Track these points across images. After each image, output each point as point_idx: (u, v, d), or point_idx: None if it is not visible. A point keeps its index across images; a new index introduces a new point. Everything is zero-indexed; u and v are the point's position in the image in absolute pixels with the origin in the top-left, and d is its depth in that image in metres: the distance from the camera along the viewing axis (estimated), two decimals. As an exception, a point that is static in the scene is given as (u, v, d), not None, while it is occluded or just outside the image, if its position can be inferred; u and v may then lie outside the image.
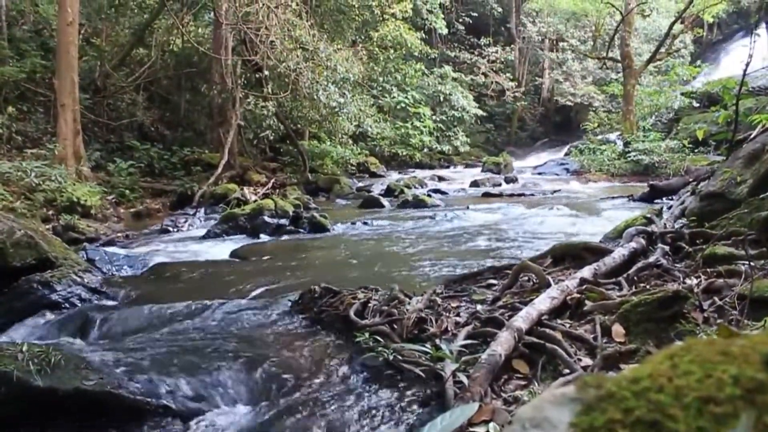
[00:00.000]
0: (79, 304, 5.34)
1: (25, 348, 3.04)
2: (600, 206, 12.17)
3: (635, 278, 4.18)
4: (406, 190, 16.18)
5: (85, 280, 5.72)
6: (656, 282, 4.07)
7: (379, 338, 3.60)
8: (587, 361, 3.09)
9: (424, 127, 26.69)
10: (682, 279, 3.98)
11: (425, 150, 27.11)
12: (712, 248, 4.20)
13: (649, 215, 6.24)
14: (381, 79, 24.29)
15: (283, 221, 10.23)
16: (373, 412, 2.99)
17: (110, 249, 8.22)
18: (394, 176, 21.49)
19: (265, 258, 7.76)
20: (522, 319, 3.31)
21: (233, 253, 8.04)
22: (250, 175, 15.99)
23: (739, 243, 4.08)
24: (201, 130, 17.64)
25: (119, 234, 10.01)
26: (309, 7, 16.37)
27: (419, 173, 22.56)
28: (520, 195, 15.53)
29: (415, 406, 2.99)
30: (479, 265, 5.95)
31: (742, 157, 5.77)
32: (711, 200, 5.75)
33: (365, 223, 10.63)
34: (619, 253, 4.64)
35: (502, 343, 3.04)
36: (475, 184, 18.84)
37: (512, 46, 35.22)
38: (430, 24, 27.59)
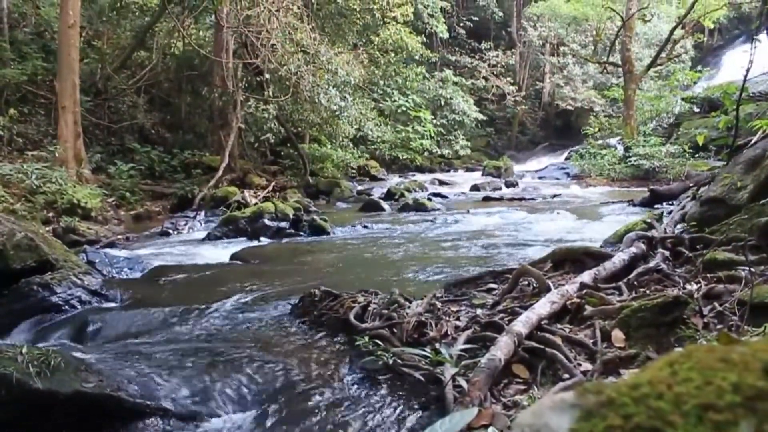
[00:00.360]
0: (79, 307, 5.34)
1: (24, 350, 3.03)
2: (600, 211, 12.17)
3: (635, 283, 4.18)
4: (406, 193, 16.18)
5: (85, 282, 5.71)
6: (656, 287, 4.07)
7: (378, 342, 3.60)
8: (587, 366, 3.09)
9: (425, 130, 26.69)
10: (682, 284, 3.98)
11: (426, 154, 27.11)
12: (712, 253, 4.20)
13: (649, 220, 6.25)
14: (382, 82, 24.30)
15: (283, 224, 10.23)
16: (373, 415, 2.99)
17: (110, 251, 8.22)
18: (394, 180, 21.49)
19: (266, 261, 7.76)
20: (522, 324, 3.31)
21: (233, 256, 8.04)
22: (251, 178, 15.99)
23: (739, 248, 4.08)
24: (202, 133, 17.64)
25: (119, 236, 10.01)
26: (310, 11, 16.40)
27: (420, 177, 22.55)
28: (520, 199, 15.52)
29: (414, 410, 2.99)
30: (479, 269, 5.95)
31: (742, 163, 5.77)
32: (711, 205, 5.75)
33: (365, 227, 10.64)
34: (620, 258, 4.64)
35: (501, 348, 3.03)
36: (475, 188, 18.84)
37: (513, 50, 35.26)
38: (431, 28, 27.62)
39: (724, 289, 3.63)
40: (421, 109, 27.13)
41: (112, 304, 5.53)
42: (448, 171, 27.14)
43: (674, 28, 22.86)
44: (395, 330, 3.79)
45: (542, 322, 3.48)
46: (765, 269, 3.79)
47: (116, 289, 5.89)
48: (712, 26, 28.25)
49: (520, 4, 35.03)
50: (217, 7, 14.97)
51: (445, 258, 7.46)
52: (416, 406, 3.02)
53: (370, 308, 4.20)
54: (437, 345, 3.33)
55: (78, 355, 3.49)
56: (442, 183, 21.11)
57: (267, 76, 15.45)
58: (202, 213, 12.64)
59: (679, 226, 6.16)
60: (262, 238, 9.70)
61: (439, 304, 4.22)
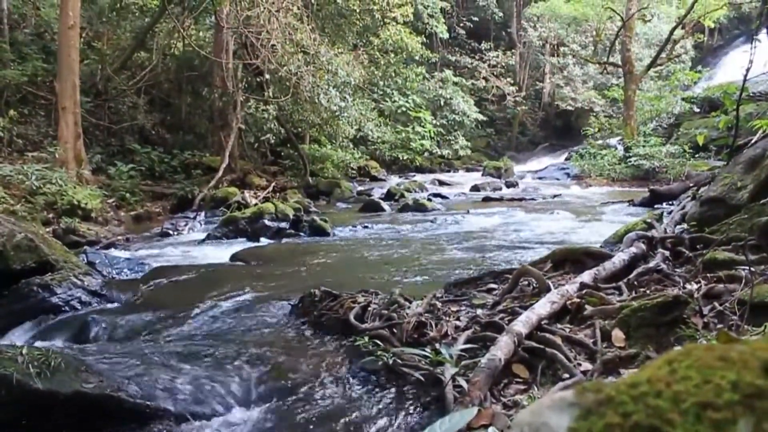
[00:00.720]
0: (80, 307, 5.34)
1: (25, 351, 3.04)
2: (600, 211, 12.17)
3: (635, 283, 4.18)
4: (406, 194, 16.19)
5: (85, 283, 5.71)
6: (656, 287, 4.07)
7: (378, 342, 3.60)
8: (587, 365, 3.09)
9: (425, 131, 26.69)
10: (682, 284, 3.98)
11: (426, 154, 27.10)
12: (712, 253, 4.20)
13: (649, 220, 6.25)
14: (382, 83, 24.28)
15: (283, 225, 10.23)
16: (373, 415, 2.99)
17: (110, 252, 8.23)
18: (394, 180, 21.48)
19: (266, 262, 7.76)
20: (522, 324, 3.31)
21: (233, 257, 8.04)
22: (251, 178, 15.99)
23: (739, 248, 4.07)
24: (202, 134, 17.63)
25: (119, 237, 10.01)
26: (310, 11, 16.39)
27: (420, 177, 22.54)
28: (520, 199, 15.52)
29: (414, 410, 2.99)
30: (479, 270, 5.96)
31: (742, 163, 5.77)
32: (711, 205, 5.75)
33: (366, 227, 10.64)
34: (620, 257, 4.64)
35: (501, 348, 3.04)
36: (475, 188, 18.84)
37: (513, 50, 35.27)
38: (431, 28, 27.62)
39: (724, 288, 3.63)
40: (421, 109, 27.13)
41: (112, 305, 5.53)
42: (449, 171, 27.12)
43: (674, 28, 22.86)
44: (395, 330, 3.79)
45: (542, 322, 3.48)
46: (765, 269, 3.79)
47: (116, 290, 5.90)
48: (712, 26, 28.25)
49: (520, 5, 35.03)
50: (217, 7, 14.98)
51: (445, 258, 7.46)
52: (416, 406, 3.02)
53: (370, 308, 4.20)
54: (437, 345, 3.33)
55: (78, 355, 3.49)
56: (442, 183, 21.10)
57: (267, 76, 15.45)
58: (202, 213, 12.64)
59: (679, 226, 6.16)
60: (262, 239, 9.70)
61: (439, 305, 4.22)
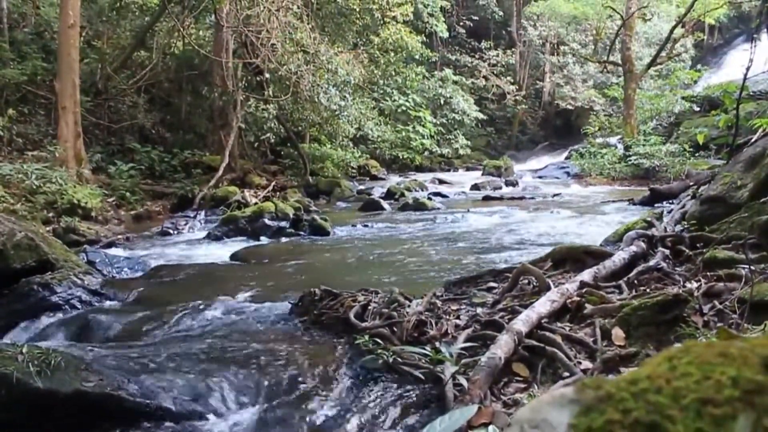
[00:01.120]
0: (80, 306, 5.34)
1: (25, 350, 3.04)
2: (600, 210, 12.17)
3: (635, 282, 4.18)
4: (406, 193, 16.18)
5: (85, 282, 5.72)
6: (656, 285, 4.07)
7: (378, 341, 3.60)
8: (587, 364, 3.09)
9: (425, 130, 26.68)
10: (682, 283, 3.98)
11: (426, 153, 27.09)
12: (712, 252, 4.20)
13: (649, 219, 6.25)
14: (382, 82, 24.24)
15: (283, 224, 10.23)
16: (373, 414, 2.99)
17: (111, 251, 8.23)
18: (394, 179, 21.48)
19: (266, 260, 7.76)
20: (522, 322, 3.31)
21: (233, 256, 8.04)
22: (251, 177, 15.98)
23: (739, 247, 4.08)
24: (202, 133, 17.62)
25: (119, 236, 10.01)
26: (310, 11, 16.37)
27: (420, 176, 22.55)
28: (520, 198, 15.52)
29: (414, 409, 2.99)
30: (479, 268, 5.96)
31: (742, 162, 5.77)
32: (711, 204, 5.74)
33: (366, 226, 10.64)
34: (620, 256, 4.64)
35: (501, 346, 3.04)
36: (475, 187, 18.84)
37: (513, 49, 35.24)
38: (431, 27, 27.59)
39: (724, 287, 3.63)
40: (421, 108, 27.11)
41: (112, 304, 5.53)
42: (448, 170, 27.12)
43: (674, 27, 22.84)
44: (395, 329, 3.79)
45: (542, 321, 3.48)
46: (765, 267, 3.79)
47: (116, 289, 5.90)
48: (712, 25, 28.24)
49: (520, 4, 35.01)
50: (216, 6, 14.96)
51: (445, 257, 7.46)
52: (416, 405, 3.02)
53: (370, 307, 4.20)
54: (437, 344, 3.33)
55: (78, 354, 3.49)
56: (442, 182, 21.10)
57: (267, 75, 15.45)
58: (202, 213, 12.64)
59: (679, 225, 6.16)
60: (262, 238, 9.70)
61: (439, 303, 4.22)
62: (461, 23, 34.07)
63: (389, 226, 10.63)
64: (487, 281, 4.91)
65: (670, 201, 10.97)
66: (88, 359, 3.33)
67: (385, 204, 14.04)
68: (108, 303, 5.55)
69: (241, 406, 3.18)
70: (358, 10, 18.35)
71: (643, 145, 19.40)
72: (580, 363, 3.10)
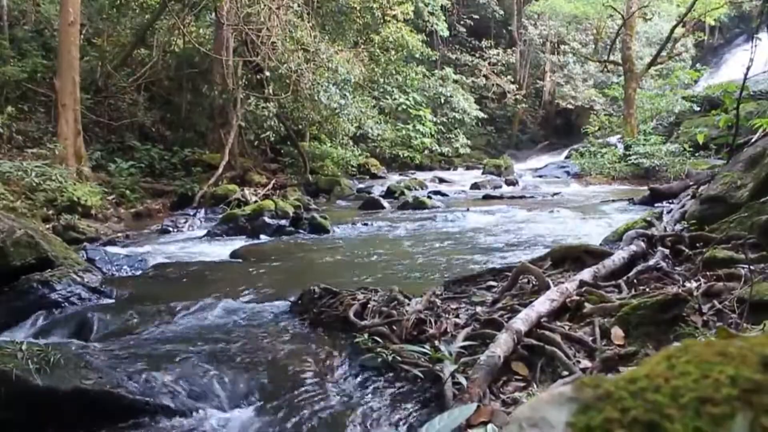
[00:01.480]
0: (79, 304, 5.34)
1: (24, 347, 3.04)
2: (600, 209, 12.17)
3: (635, 281, 4.18)
4: (406, 191, 16.17)
5: (85, 279, 5.72)
6: (656, 285, 4.07)
7: (378, 339, 3.60)
8: (586, 363, 3.09)
9: (425, 129, 26.67)
10: (681, 282, 3.98)
11: (426, 152, 27.08)
12: (712, 251, 4.20)
13: (649, 218, 6.25)
14: (382, 80, 24.22)
15: (283, 222, 10.23)
16: (372, 412, 2.99)
17: (110, 249, 8.22)
18: (394, 178, 21.47)
19: (265, 259, 7.76)
20: (521, 321, 3.31)
21: (233, 254, 8.04)
22: (251, 176, 15.98)
23: (739, 246, 4.08)
24: (202, 131, 17.61)
25: (119, 234, 10.01)
26: (310, 9, 16.37)
27: (420, 175, 22.54)
28: (520, 197, 15.52)
29: (413, 407, 2.99)
30: (479, 267, 5.96)
31: (742, 161, 5.77)
32: (711, 204, 5.74)
33: (365, 225, 10.64)
34: (619, 256, 4.64)
35: (501, 345, 3.04)
36: (475, 186, 18.83)
37: (513, 48, 35.21)
38: (432, 26, 27.55)
39: (723, 286, 3.63)
40: (422, 107, 27.09)
41: (112, 302, 5.53)
42: (449, 169, 27.10)
43: (675, 27, 22.83)
44: (395, 327, 3.79)
45: (542, 320, 3.48)
46: (765, 267, 3.80)
47: (116, 287, 5.90)
48: (712, 25, 28.24)
49: (521, 3, 34.98)
50: (217, 4, 14.96)
51: (445, 256, 7.46)
52: (415, 403, 3.02)
53: (369, 306, 4.20)
54: (437, 342, 3.33)
55: (78, 352, 3.50)
56: (442, 181, 21.10)
57: (267, 73, 15.44)
58: (202, 211, 12.64)
59: (679, 225, 6.16)
60: (261, 236, 9.70)
61: (438, 302, 4.22)
62: (462, 22, 34.05)
63: (389, 225, 10.63)
64: (486, 280, 4.91)
65: (670, 201, 10.95)
66: (88, 357, 3.33)
67: (384, 202, 14.04)
68: (107, 301, 5.55)
69: (239, 403, 3.19)
70: (358, 8, 18.34)
71: (643, 145, 19.40)
72: (579, 362, 3.10)
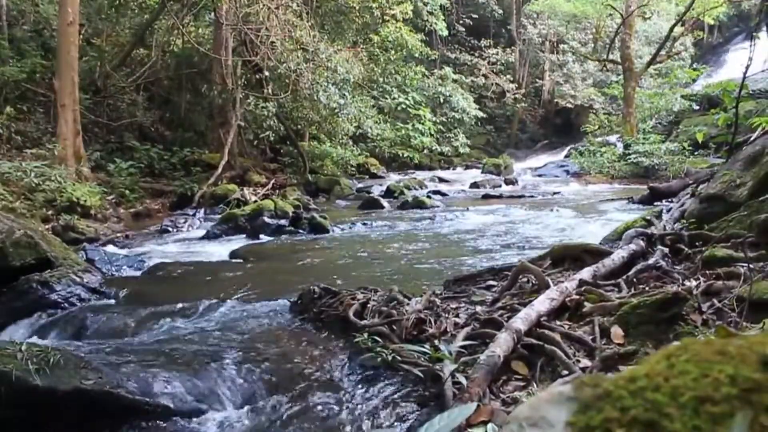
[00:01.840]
0: (79, 304, 5.34)
1: (24, 347, 3.04)
2: (599, 208, 12.17)
3: (634, 280, 4.17)
4: (405, 191, 16.17)
5: (84, 279, 5.72)
6: (655, 284, 4.06)
7: (378, 339, 3.60)
8: (586, 362, 3.09)
9: (425, 128, 26.66)
10: (681, 281, 3.98)
11: (425, 151, 27.08)
12: (711, 250, 4.20)
13: (648, 217, 6.25)
14: (381, 80, 24.22)
15: (282, 222, 10.23)
16: (372, 412, 2.99)
17: (110, 249, 8.23)
18: (394, 177, 21.47)
19: (265, 259, 7.76)
20: (521, 321, 3.31)
21: (233, 254, 8.04)
22: (250, 175, 15.97)
23: (738, 245, 4.08)
24: (201, 131, 17.60)
25: (119, 234, 10.01)
26: (309, 8, 16.36)
27: (419, 174, 22.54)
28: (519, 197, 15.53)
29: (413, 407, 2.99)
30: (478, 266, 5.96)
31: (741, 160, 5.76)
32: (710, 203, 5.74)
33: (365, 224, 10.64)
34: (619, 255, 4.63)
35: (501, 345, 3.04)
36: (475, 185, 18.83)
37: (513, 47, 35.19)
38: (431, 26, 27.54)
39: (723, 285, 3.63)
40: (421, 106, 27.08)
41: (112, 302, 5.53)
42: (448, 169, 27.11)
43: (674, 26, 22.85)
44: (394, 327, 3.79)
45: (541, 319, 3.48)
46: (764, 266, 3.79)
47: (115, 287, 5.90)
48: (712, 23, 28.24)
49: (520, 2, 34.95)
50: (216, 4, 14.95)
51: (444, 255, 7.46)
52: (415, 403, 3.02)
53: (369, 305, 4.20)
54: (436, 342, 3.33)
55: (77, 352, 3.49)
56: (441, 180, 21.10)
57: (266, 73, 15.45)
58: (202, 211, 12.64)
59: (678, 224, 6.16)
60: (261, 236, 9.70)
61: (438, 301, 4.22)
62: (461, 21, 34.03)
63: (388, 225, 10.63)
64: (486, 279, 4.91)
65: (670, 199, 10.95)
66: (87, 357, 3.33)
67: (384, 202, 14.04)
68: (107, 301, 5.55)
69: (239, 403, 3.19)
70: (357, 8, 18.34)
71: (643, 144, 19.41)
72: (579, 361, 3.10)
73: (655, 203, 11.08)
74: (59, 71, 12.06)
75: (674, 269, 4.29)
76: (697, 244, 4.75)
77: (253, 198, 13.23)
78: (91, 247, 8.10)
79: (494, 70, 33.94)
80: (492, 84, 33.60)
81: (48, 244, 6.00)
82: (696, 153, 18.30)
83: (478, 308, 4.09)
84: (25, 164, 10.32)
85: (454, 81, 29.85)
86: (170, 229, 10.67)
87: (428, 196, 14.81)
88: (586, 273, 4.22)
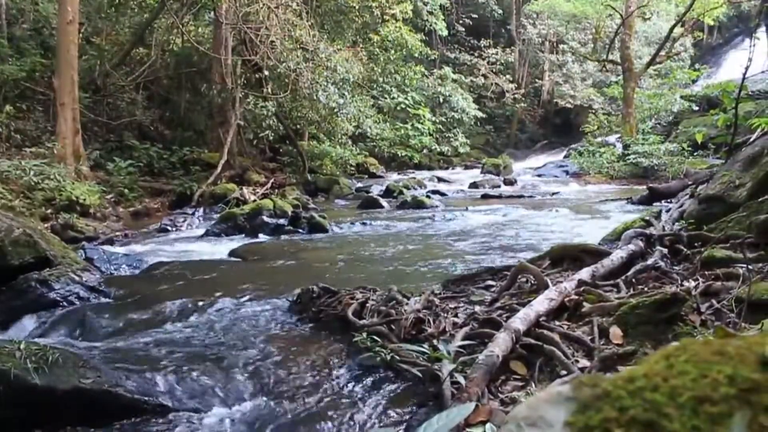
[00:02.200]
0: (78, 303, 5.34)
1: (23, 346, 3.04)
2: (599, 208, 12.17)
3: (633, 280, 4.18)
4: (405, 191, 16.16)
5: (83, 278, 5.71)
6: (654, 284, 4.07)
7: (376, 338, 3.60)
8: (585, 362, 3.09)
9: (424, 128, 26.67)
10: (680, 281, 3.98)
11: (425, 151, 27.09)
12: (710, 251, 4.20)
13: (647, 218, 6.25)
14: (381, 80, 24.23)
15: (281, 221, 10.23)
16: (370, 412, 3.00)
17: (109, 248, 8.22)
18: (393, 177, 21.47)
19: (264, 258, 7.76)
20: (520, 321, 3.31)
21: (232, 253, 8.04)
22: (250, 175, 15.98)
23: (737, 246, 4.08)
24: (201, 130, 17.60)
25: (118, 233, 10.00)
26: (309, 8, 16.35)
27: (418, 174, 22.54)
28: (519, 197, 15.53)
29: (412, 407, 2.99)
30: (477, 266, 5.96)
31: (741, 161, 5.77)
32: (710, 203, 5.75)
33: (364, 224, 10.63)
34: (618, 255, 4.64)
35: (499, 344, 3.04)
36: (474, 185, 18.83)
37: (512, 47, 35.20)
38: (431, 25, 27.55)
39: (721, 286, 3.63)
40: (420, 106, 27.09)
41: (111, 301, 5.52)
42: (447, 168, 27.11)
43: (673, 26, 22.85)
44: (393, 327, 3.79)
45: (540, 319, 3.48)
46: (763, 266, 3.80)
47: (114, 286, 5.89)
48: (711, 24, 28.25)
49: (520, 2, 34.96)
50: (216, 3, 14.95)
51: (443, 255, 7.46)
52: (414, 403, 3.02)
53: (368, 305, 4.20)
54: (435, 342, 3.33)
55: (76, 351, 3.49)
56: (441, 180, 21.09)
57: (266, 72, 15.44)
58: (201, 210, 12.64)
59: (677, 224, 6.16)
60: (260, 235, 9.70)
61: (437, 301, 4.22)
62: (461, 21, 34.03)
63: (387, 224, 10.63)
64: (485, 279, 4.91)
65: (669, 200, 10.96)
66: (86, 356, 3.33)
67: (383, 202, 14.04)
68: (106, 300, 5.54)
69: (237, 402, 3.19)
70: (357, 7, 18.34)
71: (642, 144, 19.42)
72: (577, 361, 3.10)
73: (654, 204, 11.10)
74: (59, 70, 12.05)
75: (673, 270, 4.29)
76: (696, 244, 4.75)
77: (252, 197, 13.23)
78: (90, 246, 8.09)
79: (494, 70, 33.94)
80: (491, 84, 33.61)
81: (47, 243, 5.99)
82: (695, 154, 18.31)
83: (477, 308, 4.09)
84: (24, 163, 10.32)
85: (454, 81, 29.86)
86: (169, 228, 10.67)
87: (427, 196, 14.80)
88: (585, 273, 4.22)
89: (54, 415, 2.89)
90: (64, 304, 5.27)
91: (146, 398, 3.02)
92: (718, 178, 5.91)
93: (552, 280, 4.36)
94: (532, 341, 3.22)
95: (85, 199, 10.37)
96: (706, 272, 3.97)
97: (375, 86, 24.61)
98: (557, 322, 3.60)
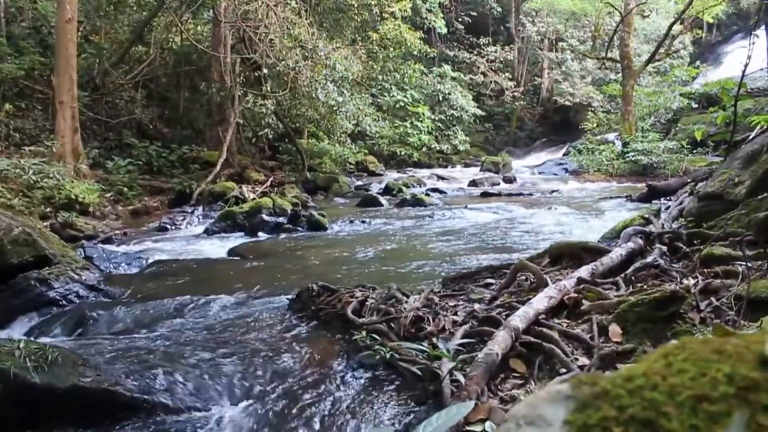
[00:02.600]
0: (77, 302, 5.34)
1: (22, 345, 3.03)
2: (598, 206, 12.18)
3: (633, 278, 4.18)
4: (404, 189, 16.17)
5: (82, 277, 5.71)
6: (654, 282, 4.07)
7: (376, 337, 3.60)
8: (584, 360, 3.09)
9: (423, 126, 26.66)
10: (679, 279, 3.98)
11: (424, 149, 27.09)
12: (709, 249, 4.20)
13: (647, 215, 6.25)
14: (380, 78, 24.21)
15: (281, 220, 10.23)
16: (370, 410, 3.00)
17: (108, 246, 8.22)
18: (392, 175, 21.48)
19: (263, 256, 7.76)
20: (519, 319, 3.32)
21: (231, 251, 8.04)
22: (249, 173, 15.98)
23: (736, 244, 4.08)
24: (200, 128, 17.59)
25: (117, 231, 10.00)
26: (308, 6, 16.34)
27: (418, 172, 22.56)
28: (518, 194, 15.54)
29: (411, 405, 2.99)
30: (477, 264, 5.97)
31: (740, 158, 5.77)
32: (709, 201, 5.75)
33: (363, 222, 10.63)
34: (617, 253, 4.64)
35: (499, 342, 3.04)
36: (473, 183, 18.84)
37: (511, 45, 35.18)
38: (430, 23, 27.52)
39: (721, 284, 3.63)
40: (420, 104, 27.08)
41: (110, 299, 5.53)
42: (447, 166, 27.11)
43: (673, 24, 22.84)
44: (393, 325, 3.79)
45: (540, 317, 3.48)
46: (762, 264, 3.80)
47: (114, 284, 5.90)
48: (710, 22, 28.24)
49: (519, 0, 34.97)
50: (215, 1, 14.93)
51: (443, 253, 7.46)
52: (413, 401, 3.02)
53: (367, 303, 4.21)
54: (435, 340, 3.34)
55: (76, 349, 3.49)
56: (440, 178, 21.11)
57: (265, 71, 15.42)
58: (200, 208, 12.64)
59: (676, 222, 6.17)
60: (259, 234, 9.70)
61: (436, 299, 4.22)
62: (460, 19, 34.00)
63: (387, 222, 10.63)
64: (484, 277, 4.91)
65: (668, 198, 10.97)
66: (86, 354, 3.33)
67: (382, 200, 14.05)
68: (105, 298, 5.55)
69: (237, 400, 3.19)
70: (356, 5, 18.32)
71: (641, 142, 19.43)
72: (577, 359, 3.10)
73: (654, 201, 11.11)
74: (57, 68, 12.03)
75: (672, 267, 4.29)
76: (695, 242, 4.76)
77: (252, 196, 13.23)
78: (90, 244, 8.10)
79: (493, 68, 33.92)
80: (491, 82, 33.59)
81: (46, 242, 5.99)
82: (694, 151, 18.33)
83: (477, 306, 4.09)
84: (23, 161, 10.30)
85: (453, 79, 29.84)
86: (168, 226, 10.67)
87: (427, 194, 14.81)
88: (584, 271, 4.22)
89: (53, 414, 2.89)
90: (64, 302, 5.27)
91: (146, 397, 3.02)
92: (717, 176, 5.91)
93: (551, 278, 4.36)
94: (532, 339, 3.22)
95: (84, 198, 10.36)
96: (706, 270, 3.97)
97: (374, 84, 24.60)
98: (557, 320, 3.60)
